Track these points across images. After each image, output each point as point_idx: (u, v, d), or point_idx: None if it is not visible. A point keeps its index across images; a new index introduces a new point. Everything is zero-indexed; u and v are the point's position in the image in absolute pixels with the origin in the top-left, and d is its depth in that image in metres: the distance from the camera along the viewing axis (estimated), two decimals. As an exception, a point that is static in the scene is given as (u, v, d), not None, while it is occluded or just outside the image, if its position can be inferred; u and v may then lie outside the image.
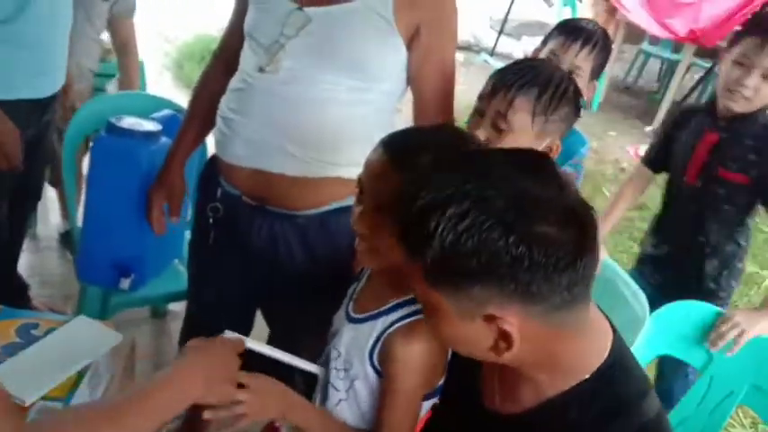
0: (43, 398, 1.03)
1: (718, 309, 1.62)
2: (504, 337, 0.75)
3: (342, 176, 1.35)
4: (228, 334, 1.07)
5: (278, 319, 1.66)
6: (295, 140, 1.33)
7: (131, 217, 1.77)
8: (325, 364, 1.14)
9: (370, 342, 1.04)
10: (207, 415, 0.96)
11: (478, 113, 1.29)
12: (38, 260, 2.71)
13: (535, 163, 0.77)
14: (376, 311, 1.06)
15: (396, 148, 0.99)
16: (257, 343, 1.08)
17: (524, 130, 1.24)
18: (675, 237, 1.92)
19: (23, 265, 2.37)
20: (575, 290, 0.72)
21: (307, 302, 1.51)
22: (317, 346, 1.32)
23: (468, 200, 0.70)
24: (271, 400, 1.03)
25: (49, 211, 2.91)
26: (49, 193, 2.73)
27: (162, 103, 2.11)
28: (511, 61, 1.39)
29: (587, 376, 0.79)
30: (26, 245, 2.37)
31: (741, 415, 2.50)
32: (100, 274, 1.87)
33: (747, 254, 1.90)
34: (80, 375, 1.08)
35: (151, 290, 1.96)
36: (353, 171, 1.07)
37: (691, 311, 1.64)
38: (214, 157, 1.50)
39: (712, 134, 1.78)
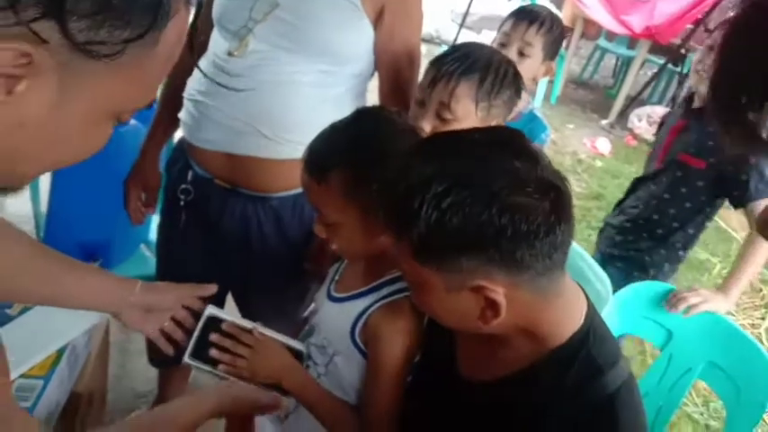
0: (22, 376, 1.02)
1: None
2: (492, 305, 0.78)
3: None
4: (210, 309, 1.08)
5: (249, 302, 1.66)
6: (266, 123, 1.33)
7: (99, 200, 1.75)
8: (305, 341, 1.16)
9: (352, 321, 1.06)
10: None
11: (420, 104, 1.29)
12: None
13: (507, 139, 0.81)
14: (357, 291, 1.08)
15: (310, 161, 1.02)
16: (244, 320, 1.10)
17: (468, 117, 1.25)
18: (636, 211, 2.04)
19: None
20: (554, 256, 0.76)
21: (279, 285, 1.52)
22: (289, 327, 1.34)
23: (450, 178, 0.74)
24: (270, 363, 1.06)
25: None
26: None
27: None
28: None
29: (563, 342, 0.83)
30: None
31: (694, 394, 2.61)
32: (66, 259, 1.83)
33: (692, 243, 1.99)
34: (59, 354, 1.07)
35: (118, 273, 1.92)
36: None
37: (651, 292, 1.70)
38: (183, 140, 1.49)
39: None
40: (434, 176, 0.74)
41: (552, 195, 0.75)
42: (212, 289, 1.11)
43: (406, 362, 1.05)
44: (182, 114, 1.45)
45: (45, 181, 2.04)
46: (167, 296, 1.06)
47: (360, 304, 1.07)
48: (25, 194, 2.42)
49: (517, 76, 1.32)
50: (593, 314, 0.87)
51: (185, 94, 1.44)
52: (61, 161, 0.57)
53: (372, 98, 1.50)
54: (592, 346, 0.83)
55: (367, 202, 0.97)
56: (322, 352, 1.12)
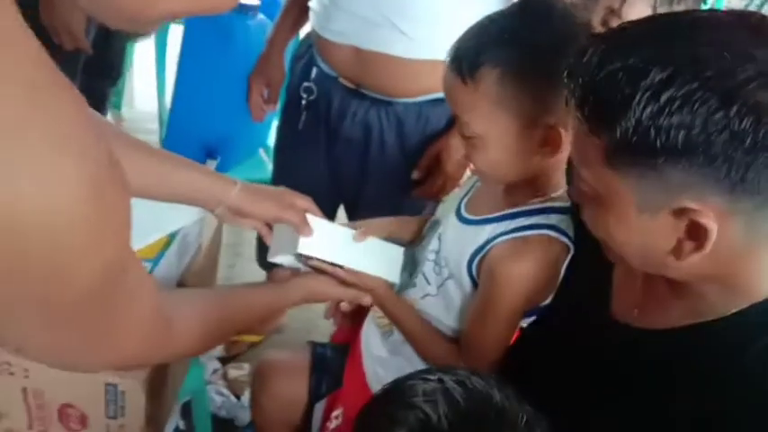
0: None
1: None
2: (696, 235, 0.61)
3: None
4: (300, 247, 0.97)
5: (361, 212, 1.60)
6: (403, 16, 1.22)
7: (222, 99, 1.73)
8: (421, 251, 1.07)
9: (473, 248, 0.94)
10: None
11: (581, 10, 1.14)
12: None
13: (751, 19, 0.62)
14: (486, 217, 0.96)
15: (457, 54, 0.86)
16: (342, 227, 1.03)
17: None
18: None
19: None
20: None
21: (393, 197, 1.45)
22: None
23: (675, 63, 0.57)
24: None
25: (135, 91, 2.90)
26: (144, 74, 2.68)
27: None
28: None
29: (761, 300, 0.66)
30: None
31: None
32: (187, 155, 1.84)
33: None
34: (170, 238, 1.04)
35: (235, 175, 1.92)
36: None
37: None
38: (311, 33, 1.42)
39: None
40: (654, 59, 0.58)
41: None
42: (308, 232, 1.00)
43: (521, 307, 0.93)
44: (312, 3, 1.37)
45: (170, 79, 2.05)
46: (263, 205, 1.01)
47: (485, 232, 0.94)
48: (151, 92, 2.47)
49: None
50: None
51: None
52: (193, 8, 0.52)
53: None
54: None
55: (522, 111, 0.83)
56: (437, 271, 1.02)
